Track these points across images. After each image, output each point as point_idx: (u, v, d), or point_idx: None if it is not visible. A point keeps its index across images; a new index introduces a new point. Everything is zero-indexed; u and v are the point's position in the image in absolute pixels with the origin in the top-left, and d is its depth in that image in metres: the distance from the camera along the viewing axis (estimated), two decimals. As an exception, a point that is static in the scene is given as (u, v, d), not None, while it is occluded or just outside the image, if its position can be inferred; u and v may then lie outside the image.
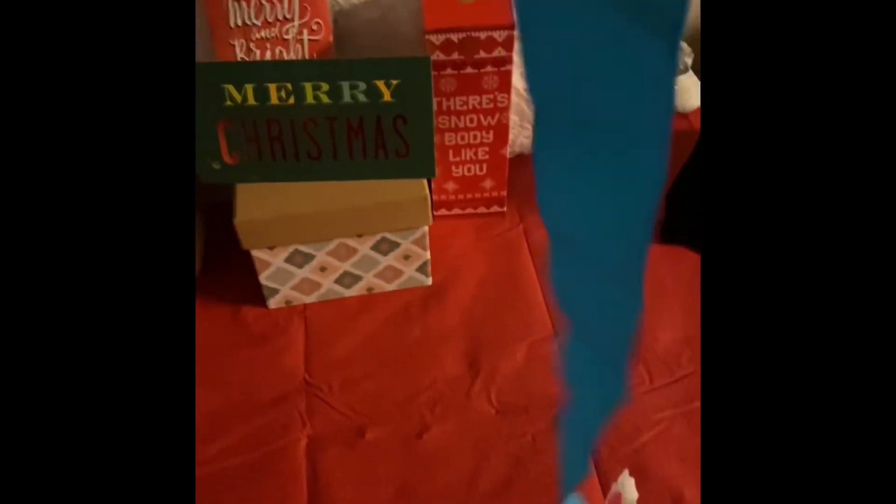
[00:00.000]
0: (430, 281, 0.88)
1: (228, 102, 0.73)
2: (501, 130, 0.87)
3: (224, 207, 0.88)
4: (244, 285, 0.86)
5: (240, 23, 0.78)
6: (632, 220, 0.34)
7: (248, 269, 0.83)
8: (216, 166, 0.76)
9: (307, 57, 0.80)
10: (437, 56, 0.79)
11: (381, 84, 0.73)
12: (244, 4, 0.77)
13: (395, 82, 0.73)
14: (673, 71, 0.26)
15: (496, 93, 0.83)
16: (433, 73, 0.75)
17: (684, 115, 1.09)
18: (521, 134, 0.99)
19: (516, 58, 0.85)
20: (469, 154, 0.89)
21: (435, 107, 0.81)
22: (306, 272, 0.83)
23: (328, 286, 0.85)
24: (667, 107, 0.27)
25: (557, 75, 0.29)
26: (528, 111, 0.98)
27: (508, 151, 0.91)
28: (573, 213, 0.36)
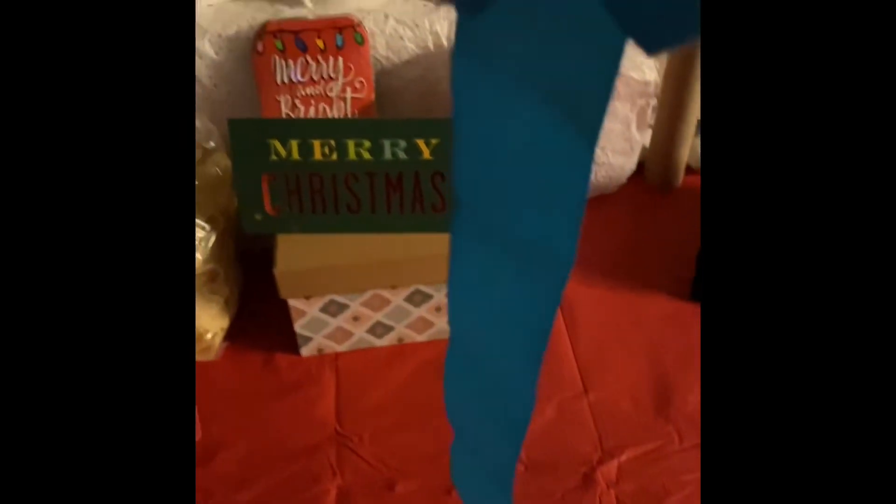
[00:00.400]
0: (460, 333, 0.89)
1: (274, 157, 0.76)
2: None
3: (260, 255, 0.90)
4: (277, 332, 0.87)
5: (286, 80, 0.81)
6: (529, 333, 0.35)
7: (281, 316, 0.85)
8: (258, 217, 0.79)
9: (350, 114, 0.83)
10: (475, 115, 0.81)
11: (420, 143, 0.75)
12: (291, 62, 0.80)
13: (434, 141, 0.75)
14: (589, 164, 0.28)
15: (531, 151, 0.85)
16: (472, 133, 0.77)
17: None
18: (552, 189, 1.01)
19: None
20: (502, 209, 0.91)
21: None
22: (340, 321, 0.84)
23: (360, 335, 0.87)
24: (579, 200, 0.29)
25: (484, 164, 0.31)
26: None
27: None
28: (478, 317, 0.38)
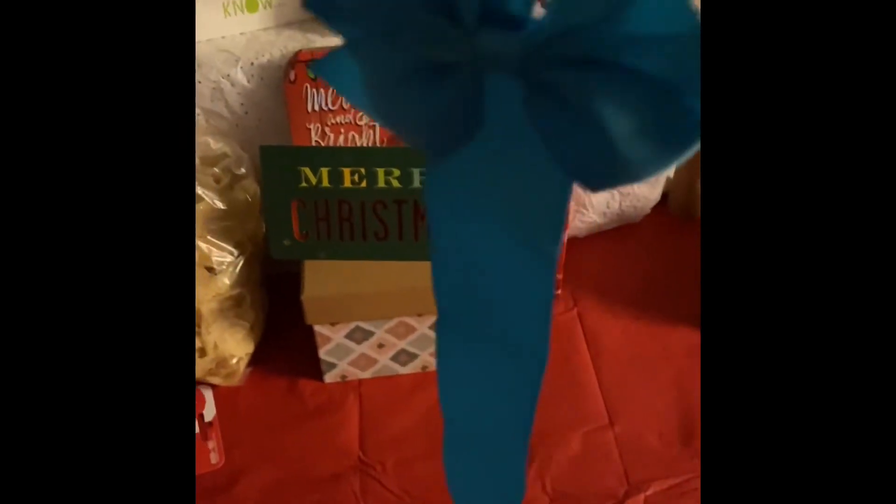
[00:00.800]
0: (484, 362, 0.88)
1: (304, 184, 0.76)
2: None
3: (285, 280, 0.90)
4: (301, 358, 0.87)
5: (317, 108, 0.82)
6: (513, 421, 0.41)
7: (305, 342, 0.85)
8: (287, 243, 0.79)
9: (378, 142, 0.83)
10: (503, 145, 0.82)
11: (450, 171, 0.75)
12: (322, 91, 0.81)
13: (463, 170, 0.75)
14: (551, 279, 0.33)
15: (558, 181, 0.86)
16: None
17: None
18: (575, 218, 1.01)
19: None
20: (528, 238, 0.91)
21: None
22: (364, 348, 0.84)
23: (384, 363, 0.86)
24: (545, 308, 0.34)
25: (459, 279, 0.36)
26: (584, 196, 1.00)
27: (566, 236, 0.93)
28: (467, 406, 0.43)
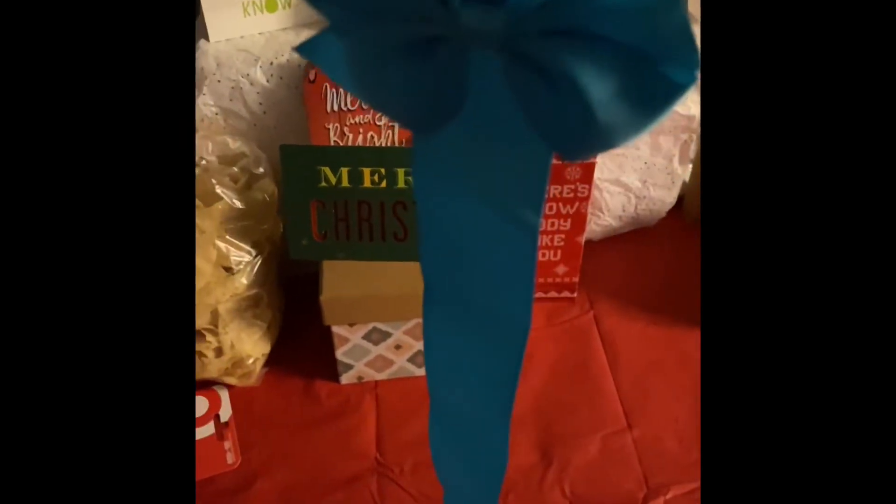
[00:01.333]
0: (501, 364, 0.88)
1: (323, 184, 0.76)
2: (579, 219, 0.89)
3: (302, 281, 0.90)
4: (318, 359, 0.87)
5: (336, 108, 0.81)
6: (497, 392, 0.42)
7: (322, 343, 0.84)
8: (305, 243, 0.79)
9: (397, 142, 0.83)
10: (522, 146, 0.82)
11: (470, 172, 0.75)
12: (341, 91, 0.80)
13: (484, 171, 0.75)
14: (534, 251, 0.35)
15: (577, 183, 0.85)
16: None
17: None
18: (591, 221, 1.01)
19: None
20: (545, 240, 0.91)
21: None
22: (381, 349, 0.84)
23: (400, 364, 0.86)
24: (528, 279, 0.36)
25: (445, 251, 0.38)
26: (600, 200, 1.00)
27: (583, 238, 0.92)
28: (452, 378, 0.44)
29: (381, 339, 0.83)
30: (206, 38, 0.81)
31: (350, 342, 0.82)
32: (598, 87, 0.25)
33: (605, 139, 0.27)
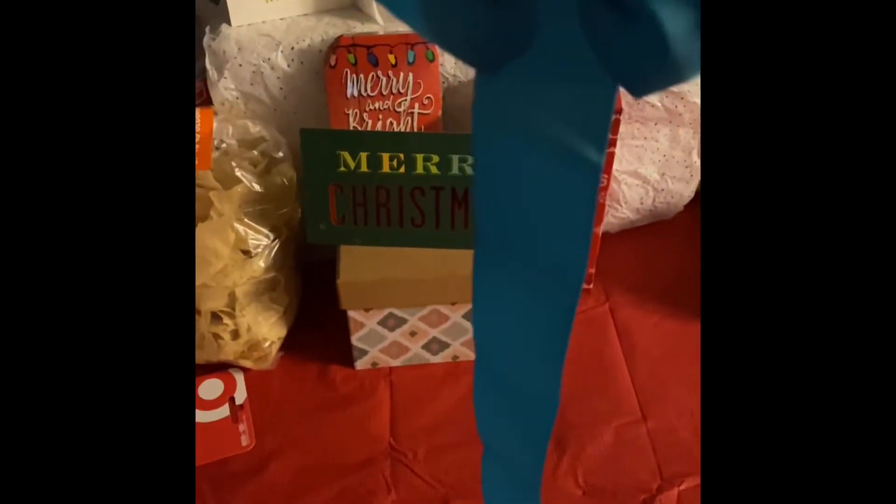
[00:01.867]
0: (515, 353, 0.88)
1: (342, 168, 0.76)
2: (597, 210, 0.88)
3: (319, 266, 0.90)
4: (333, 344, 0.87)
5: (356, 94, 0.82)
6: (547, 348, 0.41)
7: (338, 328, 0.85)
8: (323, 227, 0.79)
9: (416, 129, 0.83)
10: (541, 135, 0.81)
11: (489, 159, 0.75)
12: (362, 77, 0.81)
13: (502, 158, 0.75)
14: (594, 192, 0.34)
15: (595, 173, 0.85)
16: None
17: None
18: (609, 213, 1.01)
19: (619, 142, 0.87)
20: (562, 230, 0.90)
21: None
22: (396, 335, 0.84)
23: (415, 351, 0.86)
24: (587, 223, 0.35)
25: (500, 200, 0.37)
26: (618, 192, 0.99)
27: (600, 229, 0.92)
28: (501, 334, 0.43)
29: (397, 325, 0.83)
30: (228, 22, 0.82)
31: (366, 327, 0.83)
32: (675, 23, 0.26)
33: (678, 74, 0.28)
